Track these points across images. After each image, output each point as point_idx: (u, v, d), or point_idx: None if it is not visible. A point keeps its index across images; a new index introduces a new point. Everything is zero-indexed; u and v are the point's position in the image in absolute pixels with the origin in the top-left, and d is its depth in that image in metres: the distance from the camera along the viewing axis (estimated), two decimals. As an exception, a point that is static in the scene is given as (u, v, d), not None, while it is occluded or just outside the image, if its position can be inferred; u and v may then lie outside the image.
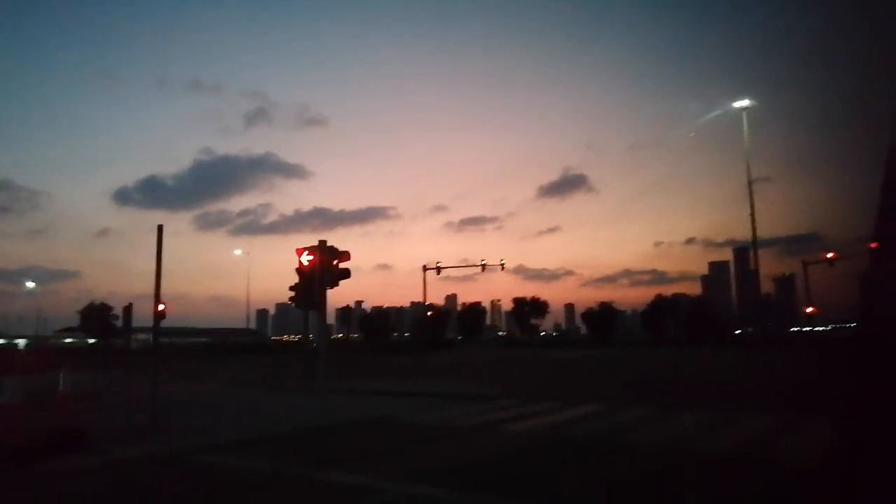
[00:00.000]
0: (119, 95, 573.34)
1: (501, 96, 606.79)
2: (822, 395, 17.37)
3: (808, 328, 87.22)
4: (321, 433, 11.81)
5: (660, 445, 9.88)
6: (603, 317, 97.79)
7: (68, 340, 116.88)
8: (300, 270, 12.93)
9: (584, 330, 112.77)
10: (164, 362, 43.95)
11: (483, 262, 79.82)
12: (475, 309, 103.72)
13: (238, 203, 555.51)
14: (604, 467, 8.67)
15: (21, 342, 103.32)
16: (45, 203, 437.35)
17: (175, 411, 14.20)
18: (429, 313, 72.16)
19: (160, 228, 12.41)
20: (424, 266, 75.69)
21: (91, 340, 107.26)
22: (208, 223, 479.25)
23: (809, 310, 72.35)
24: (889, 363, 1.14)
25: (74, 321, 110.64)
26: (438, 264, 76.57)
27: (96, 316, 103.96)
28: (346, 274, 12.92)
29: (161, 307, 27.01)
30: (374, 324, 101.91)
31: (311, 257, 12.81)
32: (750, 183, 55.79)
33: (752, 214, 57.13)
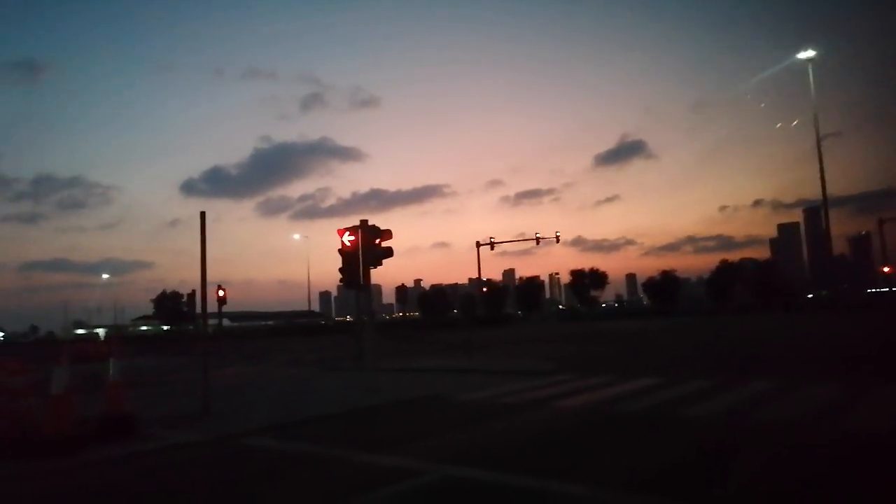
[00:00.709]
0: (179, 87, 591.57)
1: (553, 65, 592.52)
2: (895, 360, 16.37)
3: (885, 289, 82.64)
4: (368, 413, 11.76)
5: (715, 420, 9.35)
6: (665, 286, 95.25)
7: (144, 328, 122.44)
8: (343, 251, 12.84)
9: (646, 300, 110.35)
10: (228, 345, 45.03)
11: (537, 235, 78.95)
12: (532, 283, 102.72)
13: (298, 188, 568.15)
14: (653, 445, 8.23)
15: (101, 331, 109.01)
16: (116, 197, 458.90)
17: (230, 394, 14.48)
18: (483, 289, 71.95)
19: (202, 216, 12.50)
20: (478, 242, 75.63)
21: (165, 327, 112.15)
22: (270, 209, 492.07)
23: (886, 269, 68.77)
24: None
25: (149, 309, 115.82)
26: (491, 239, 76.24)
27: (168, 303, 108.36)
28: (388, 253, 12.78)
29: (221, 292, 27.61)
30: (432, 301, 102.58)
31: (352, 237, 12.70)
32: (818, 139, 52.68)
33: (822, 171, 53.98)
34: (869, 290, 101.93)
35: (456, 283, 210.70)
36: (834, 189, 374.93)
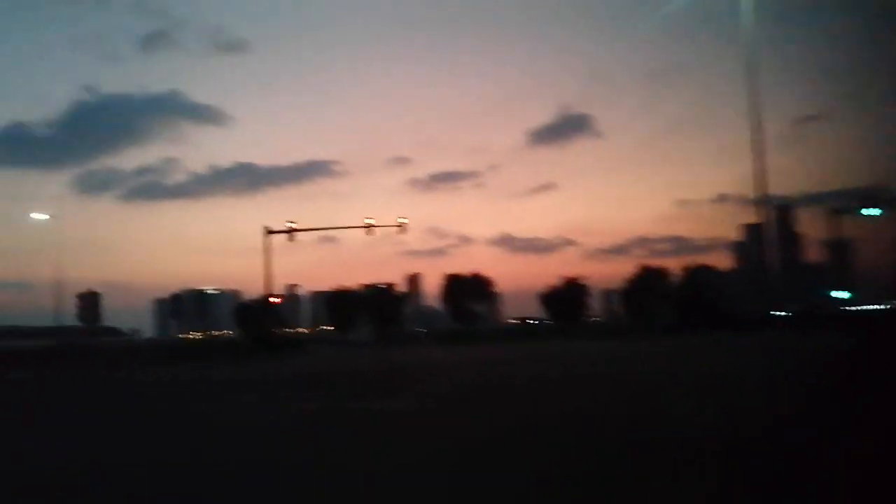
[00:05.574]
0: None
1: (478, 16, 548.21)
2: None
3: (850, 306, 74.49)
4: None
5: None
6: (570, 298, 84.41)
7: None
8: None
9: (545, 317, 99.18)
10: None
11: (370, 223, 65.91)
12: (384, 292, 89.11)
13: (133, 158, 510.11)
14: None
15: None
16: None
17: None
18: (270, 300, 58.70)
19: None
20: (268, 229, 61.42)
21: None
22: (94, 185, 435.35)
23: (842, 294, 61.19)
24: None
25: None
26: (290, 225, 62.45)
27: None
28: None
29: None
30: (251, 314, 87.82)
31: None
32: (756, 101, 43.26)
33: (758, 144, 44.77)
34: (843, 307, 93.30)
35: (313, 292, 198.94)
36: (810, 184, 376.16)
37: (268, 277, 54.65)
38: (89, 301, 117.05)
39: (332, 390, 22.52)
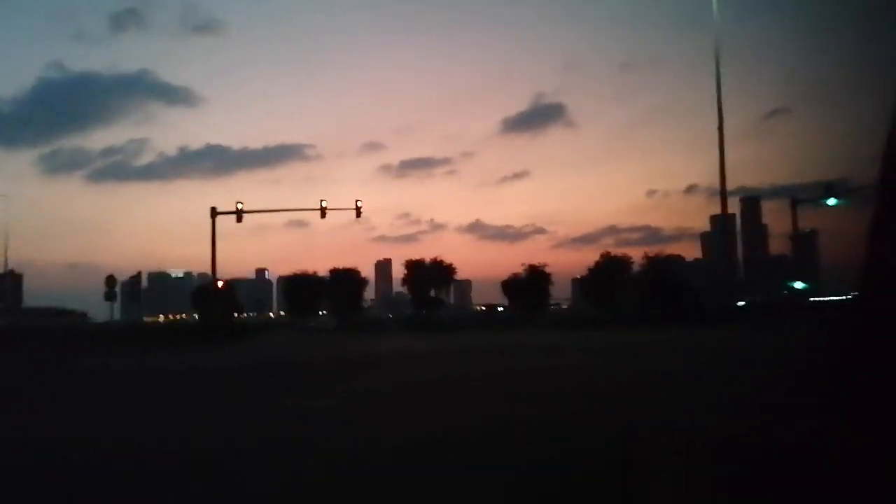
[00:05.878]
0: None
1: (456, 6, 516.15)
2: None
3: (810, 297, 74.81)
4: None
5: None
6: (531, 286, 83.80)
7: None
8: None
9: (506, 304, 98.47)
10: None
11: (324, 206, 64.33)
12: (346, 277, 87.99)
13: (101, 138, 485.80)
14: None
15: None
16: None
17: None
18: (219, 284, 57.56)
19: None
20: (214, 209, 59.44)
21: None
22: (60, 165, 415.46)
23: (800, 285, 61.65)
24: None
25: None
26: (239, 206, 60.64)
27: None
28: None
29: None
30: (205, 299, 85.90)
31: None
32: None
33: (721, 132, 43.67)
34: (804, 298, 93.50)
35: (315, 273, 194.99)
36: (777, 176, 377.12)
37: (214, 260, 53.05)
38: (7, 281, 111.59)
39: (257, 384, 21.15)
